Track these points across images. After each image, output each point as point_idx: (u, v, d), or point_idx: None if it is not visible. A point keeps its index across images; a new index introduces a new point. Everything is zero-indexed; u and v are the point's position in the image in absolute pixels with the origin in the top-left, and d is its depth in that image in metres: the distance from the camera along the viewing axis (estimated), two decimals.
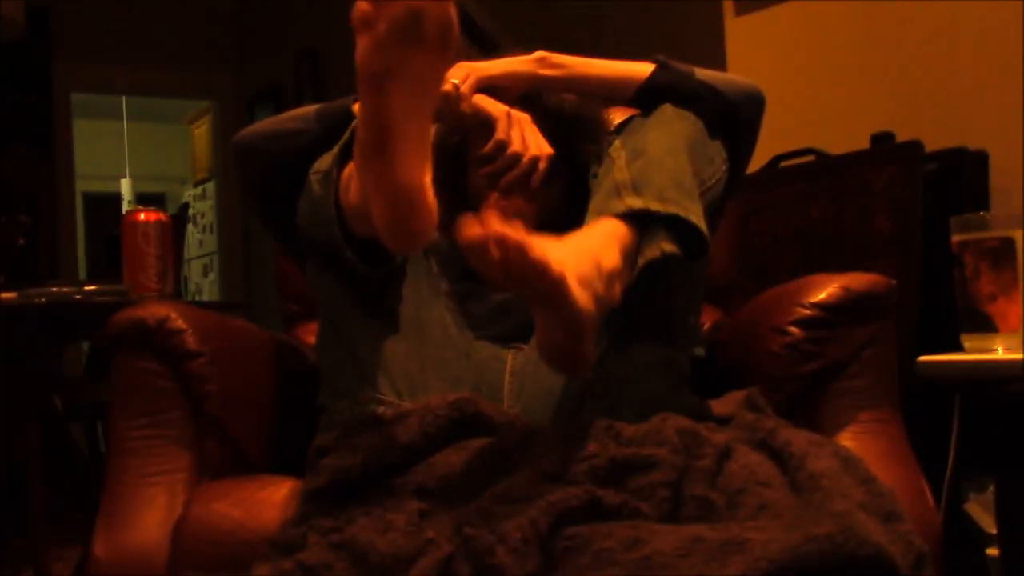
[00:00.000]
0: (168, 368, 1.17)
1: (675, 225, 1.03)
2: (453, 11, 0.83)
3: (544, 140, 1.18)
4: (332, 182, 1.08)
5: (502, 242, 0.80)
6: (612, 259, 0.96)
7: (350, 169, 1.05)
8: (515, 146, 1.15)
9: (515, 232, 0.80)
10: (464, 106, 1.15)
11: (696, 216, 1.04)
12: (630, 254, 1.00)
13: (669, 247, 1.02)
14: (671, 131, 1.11)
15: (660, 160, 1.07)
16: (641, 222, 1.02)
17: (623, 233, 1.00)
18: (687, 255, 1.04)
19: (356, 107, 1.19)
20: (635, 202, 1.01)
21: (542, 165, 1.16)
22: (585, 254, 0.92)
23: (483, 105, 1.16)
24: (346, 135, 1.10)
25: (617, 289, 0.96)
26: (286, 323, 1.69)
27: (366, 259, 1.08)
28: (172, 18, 5.44)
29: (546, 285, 0.83)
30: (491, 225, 0.80)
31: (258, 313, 5.03)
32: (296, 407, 1.26)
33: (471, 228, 0.80)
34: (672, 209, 1.02)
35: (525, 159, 1.15)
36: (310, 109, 1.21)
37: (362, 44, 0.83)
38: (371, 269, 1.10)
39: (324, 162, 1.12)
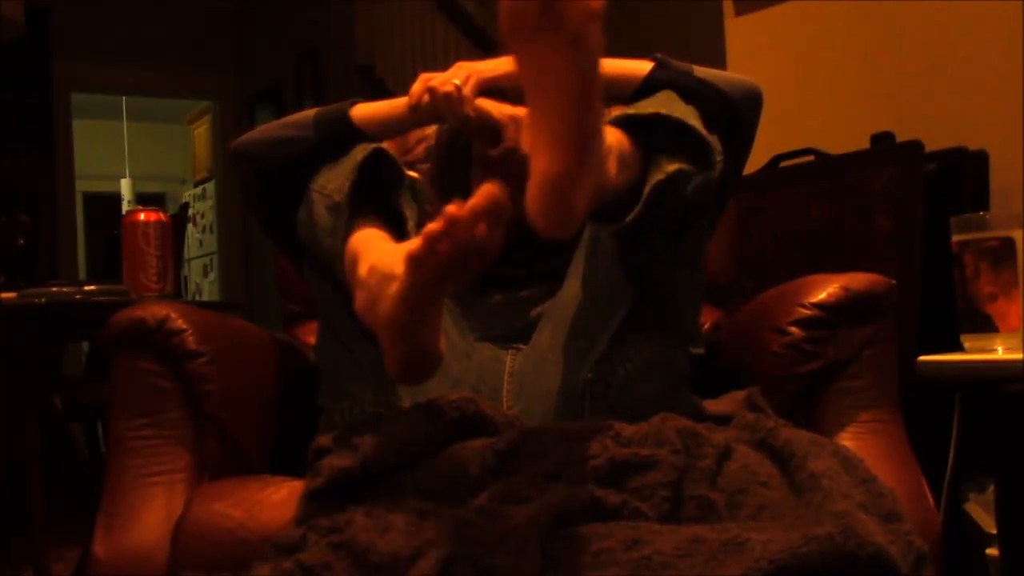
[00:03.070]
0: (168, 368, 1.17)
1: (678, 147, 1.02)
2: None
3: None
4: (339, 235, 1.09)
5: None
6: (611, 138, 0.95)
7: (358, 242, 1.07)
8: (523, 152, 1.16)
9: None
10: (467, 108, 1.15)
11: (694, 120, 1.04)
12: (627, 163, 1.00)
13: (672, 165, 1.01)
14: (671, 100, 1.11)
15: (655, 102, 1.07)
16: (643, 146, 1.02)
17: (619, 136, 1.00)
18: (696, 168, 1.03)
19: (353, 112, 1.19)
20: (618, 112, 1.02)
21: None
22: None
23: (486, 109, 1.16)
24: (353, 167, 1.12)
25: (611, 169, 0.96)
26: (286, 323, 1.69)
27: None
28: (172, 18, 5.44)
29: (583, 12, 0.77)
30: None
31: (258, 313, 5.04)
32: (296, 407, 1.26)
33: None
34: (652, 108, 1.02)
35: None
36: (308, 114, 1.21)
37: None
38: None
39: (330, 182, 1.13)
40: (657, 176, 1.01)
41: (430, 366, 0.92)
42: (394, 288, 0.88)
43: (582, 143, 0.80)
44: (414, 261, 0.83)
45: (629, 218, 1.00)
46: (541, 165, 0.80)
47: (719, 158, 1.14)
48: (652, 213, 1.01)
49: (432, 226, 0.80)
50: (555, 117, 0.80)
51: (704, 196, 1.08)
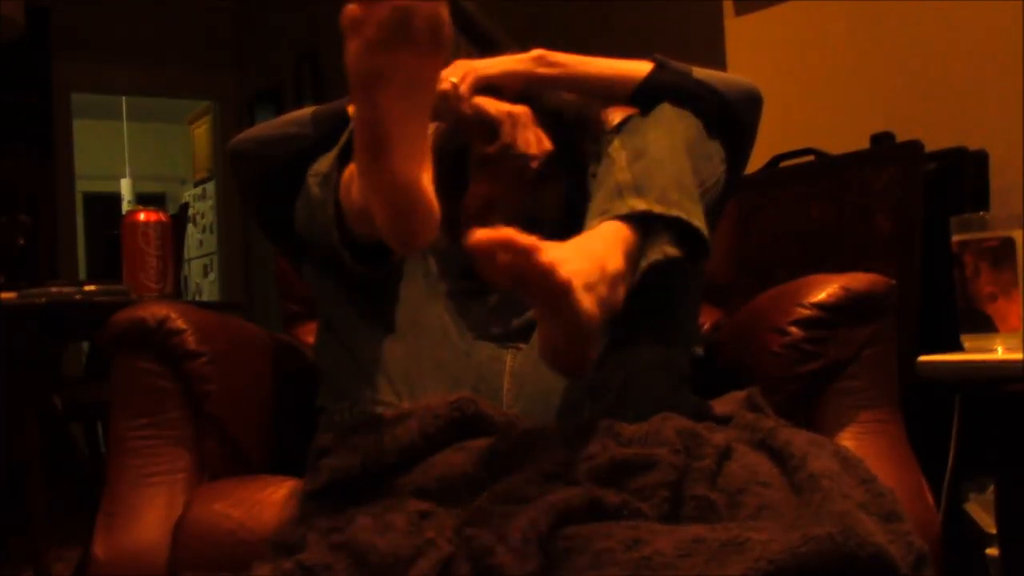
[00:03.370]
0: (168, 368, 1.17)
1: (677, 227, 1.03)
2: (443, 10, 0.82)
3: (545, 137, 1.19)
4: (332, 184, 1.08)
5: (510, 247, 0.80)
6: (616, 262, 0.96)
7: (351, 171, 1.05)
8: (520, 148, 1.16)
9: (523, 237, 0.81)
10: (464, 106, 1.15)
11: (698, 218, 1.04)
12: (633, 256, 1.00)
13: (672, 250, 1.02)
14: (671, 131, 1.11)
15: (661, 161, 1.07)
16: (643, 224, 1.02)
17: (626, 235, 1.00)
18: (689, 257, 1.04)
19: (351, 109, 1.19)
20: (638, 204, 1.02)
21: (534, 164, 1.17)
22: (590, 257, 0.92)
23: (484, 106, 1.16)
24: (344, 136, 1.10)
25: (621, 292, 0.96)
26: (286, 323, 1.69)
27: (364, 261, 1.08)
28: (172, 18, 5.44)
29: (552, 290, 0.84)
30: (500, 230, 0.80)
31: (258, 313, 5.04)
32: (296, 407, 1.26)
33: (480, 232, 0.80)
34: (675, 212, 1.02)
35: (533, 164, 1.16)
36: (306, 112, 1.21)
37: (352, 47, 0.83)
38: (369, 271, 1.10)
39: (323, 164, 1.12)
40: (655, 256, 1.02)
41: (421, 217, 0.88)
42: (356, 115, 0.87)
43: (587, 357, 0.93)
44: (352, 23, 0.81)
45: (626, 295, 1.00)
46: (544, 345, 0.92)
47: (722, 166, 1.14)
48: (644, 280, 1.03)
49: None
50: (563, 357, 0.93)
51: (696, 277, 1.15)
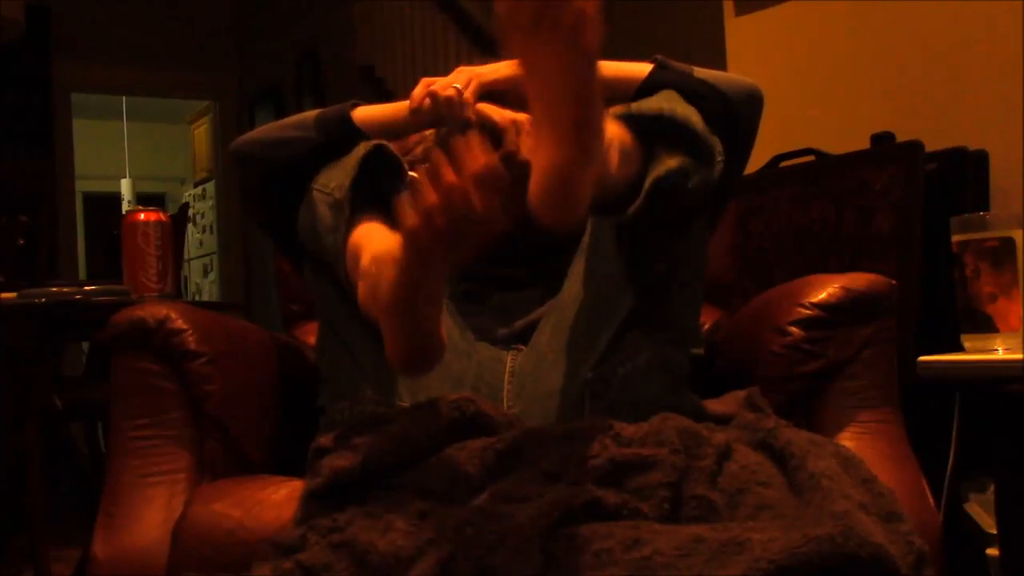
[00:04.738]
0: (168, 368, 1.17)
1: (679, 144, 1.02)
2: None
3: None
4: (341, 234, 1.09)
5: None
6: (611, 132, 0.95)
7: (360, 236, 1.07)
8: (523, 156, 1.16)
9: None
10: (468, 113, 1.15)
11: (696, 119, 1.03)
12: (627, 152, 1.00)
13: (674, 161, 1.01)
14: (672, 99, 1.11)
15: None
16: (645, 142, 1.01)
17: (624, 137, 1.00)
18: (693, 165, 1.03)
19: (354, 114, 1.19)
20: (638, 108, 1.02)
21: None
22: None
23: (488, 112, 1.16)
24: (355, 163, 1.11)
25: (614, 159, 0.95)
26: (286, 323, 1.69)
27: None
28: (172, 18, 5.44)
29: (577, 11, 0.77)
30: None
31: (258, 313, 5.04)
32: (296, 407, 1.26)
33: None
34: (657, 107, 1.02)
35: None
36: (309, 115, 1.21)
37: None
38: None
39: (331, 180, 1.12)
40: (657, 171, 1.01)
41: (432, 355, 0.92)
42: (394, 269, 0.88)
43: (583, 135, 0.80)
44: (411, 235, 0.81)
45: (630, 211, 1.00)
46: (543, 158, 0.81)
47: (720, 159, 1.14)
48: (652, 208, 1.01)
49: (427, 198, 0.79)
50: (555, 112, 0.80)
51: (703, 194, 1.08)
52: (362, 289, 1.01)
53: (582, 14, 0.77)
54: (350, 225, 1.09)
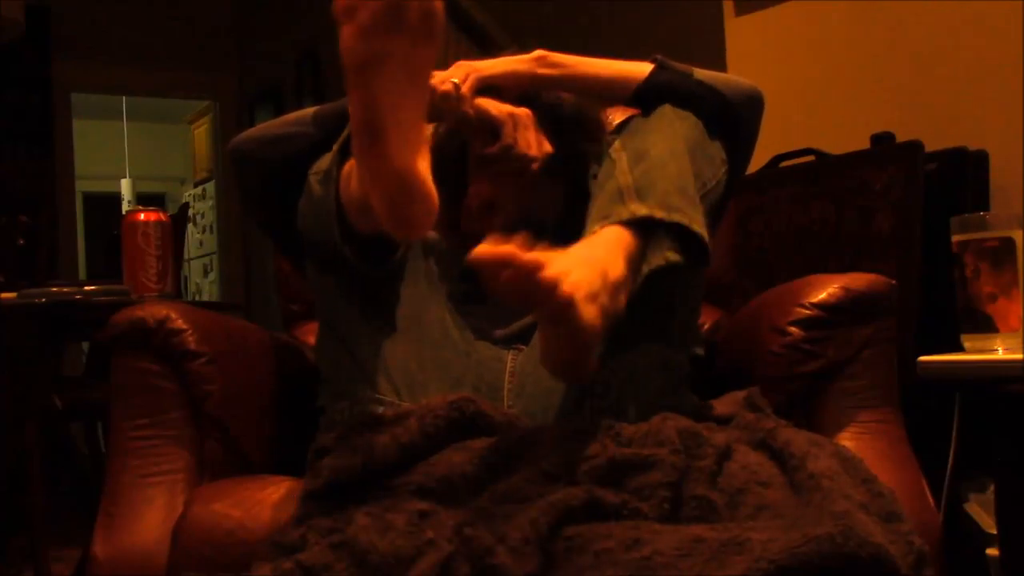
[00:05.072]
0: (168, 368, 1.17)
1: (679, 232, 1.03)
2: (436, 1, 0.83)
3: (545, 139, 1.18)
4: (332, 179, 1.08)
5: (512, 263, 0.81)
6: (618, 269, 0.96)
7: (350, 165, 1.05)
8: (521, 150, 1.16)
9: (525, 254, 0.81)
10: (465, 107, 1.15)
11: (699, 224, 1.04)
12: (634, 261, 1.00)
13: (673, 256, 1.02)
14: (672, 133, 1.11)
15: (663, 164, 1.07)
16: (645, 229, 1.02)
17: (628, 241, 1.00)
18: (690, 262, 1.04)
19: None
20: (640, 209, 1.01)
21: (535, 166, 1.17)
22: (592, 267, 0.92)
23: (485, 107, 1.16)
24: (345, 133, 1.10)
25: (622, 299, 0.96)
26: (286, 323, 1.69)
27: (366, 258, 1.08)
28: (172, 18, 5.44)
29: (555, 306, 0.84)
30: (502, 246, 0.81)
31: (258, 313, 5.04)
32: (296, 407, 1.26)
33: (482, 248, 0.81)
34: (676, 217, 1.02)
35: (534, 165, 1.16)
36: (307, 112, 1.21)
37: (345, 34, 0.84)
38: (371, 269, 1.10)
39: (324, 161, 1.12)
40: (657, 261, 1.02)
41: (417, 203, 0.88)
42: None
43: (585, 364, 0.93)
44: (345, 8, 0.83)
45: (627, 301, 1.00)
46: (546, 353, 0.93)
47: (724, 168, 1.14)
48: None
49: None
50: (559, 360, 0.93)
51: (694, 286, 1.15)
52: (352, 184, 1.01)
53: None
54: (339, 171, 1.09)
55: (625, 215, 1.01)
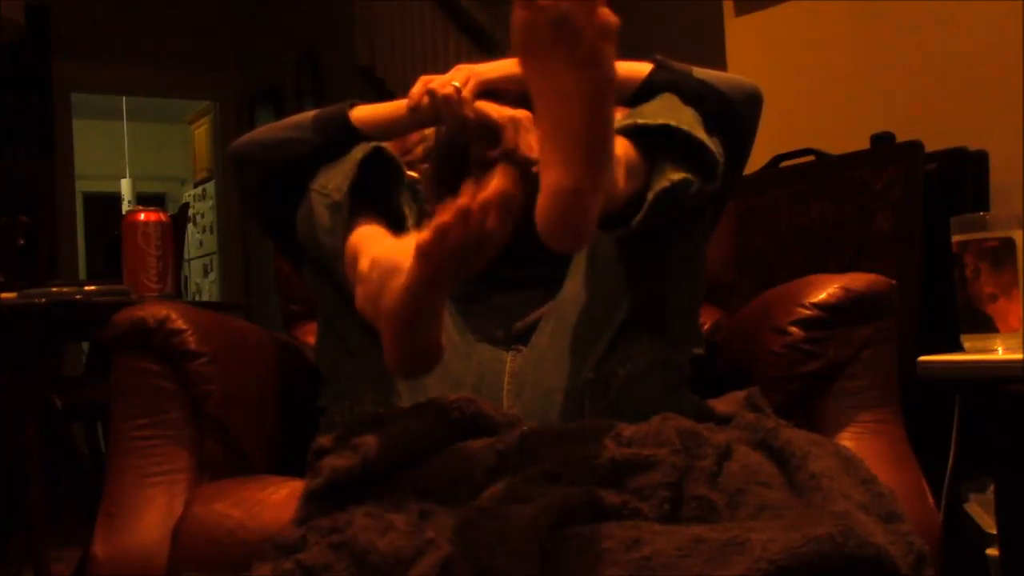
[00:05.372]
0: (168, 368, 1.17)
1: (683, 155, 1.02)
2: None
3: None
4: (339, 235, 1.09)
5: None
6: (618, 150, 0.95)
7: (358, 240, 1.07)
8: (522, 153, 1.16)
9: None
10: (466, 110, 1.15)
11: (700, 132, 1.03)
12: (635, 172, 0.99)
13: (677, 174, 1.01)
14: (679, 109, 1.11)
15: (673, 111, 1.07)
16: (649, 152, 1.01)
17: (629, 151, 1.00)
18: (697, 179, 1.03)
19: (352, 114, 1.19)
20: (641, 119, 1.01)
21: (536, 169, 1.17)
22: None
23: (486, 110, 1.16)
24: (353, 165, 1.11)
25: (621, 186, 0.95)
26: (286, 323, 1.69)
27: None
28: (172, 18, 5.44)
29: (598, 26, 0.75)
30: None
31: (258, 313, 5.04)
32: (296, 407, 1.26)
33: None
34: (661, 120, 1.02)
35: (534, 168, 1.16)
36: (307, 116, 1.21)
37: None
38: None
39: (330, 181, 1.13)
40: (661, 184, 1.01)
41: (431, 361, 0.92)
42: (399, 281, 0.88)
43: (595, 159, 0.80)
44: (423, 252, 0.82)
45: (634, 222, 1.00)
46: (552, 180, 0.80)
47: (720, 160, 1.14)
48: (654, 219, 1.01)
49: (442, 217, 0.80)
50: (567, 133, 0.79)
51: (703, 201, 1.09)
52: (360, 293, 1.01)
53: (603, 32, 0.76)
54: (348, 227, 1.09)
55: (627, 123, 1.01)
